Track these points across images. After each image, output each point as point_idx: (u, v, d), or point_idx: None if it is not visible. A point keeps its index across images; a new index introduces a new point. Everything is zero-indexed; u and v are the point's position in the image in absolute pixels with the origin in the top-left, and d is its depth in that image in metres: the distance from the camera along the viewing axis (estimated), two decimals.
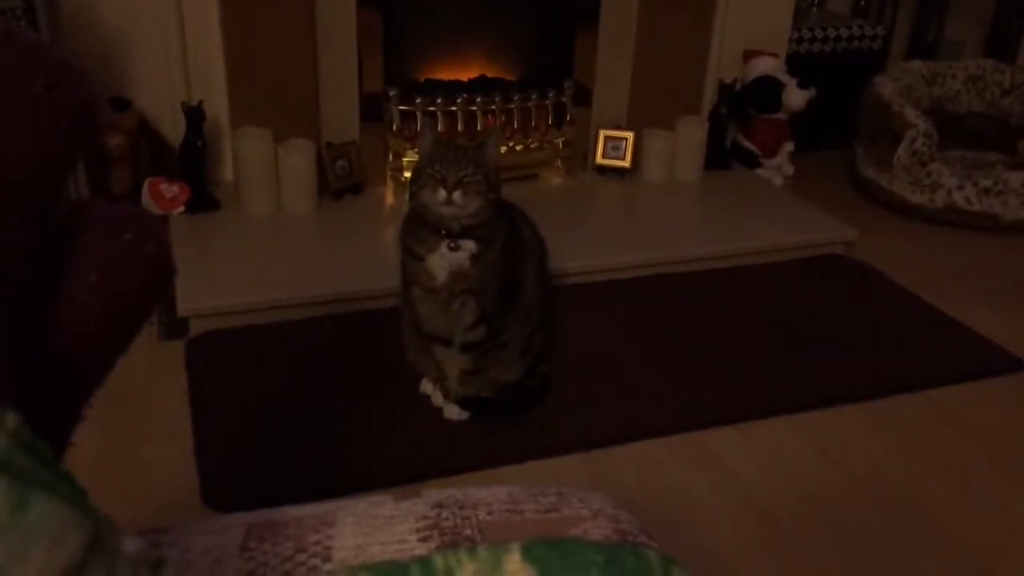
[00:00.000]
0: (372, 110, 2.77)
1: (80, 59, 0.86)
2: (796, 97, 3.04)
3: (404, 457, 1.79)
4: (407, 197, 1.76)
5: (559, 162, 2.96)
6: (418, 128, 2.73)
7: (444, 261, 1.73)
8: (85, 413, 0.86)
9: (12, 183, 0.76)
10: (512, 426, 1.90)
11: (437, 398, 1.93)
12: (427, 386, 1.95)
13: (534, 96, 2.88)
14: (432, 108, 2.75)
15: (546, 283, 2.01)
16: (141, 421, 1.87)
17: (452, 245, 1.71)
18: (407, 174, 2.74)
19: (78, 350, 0.86)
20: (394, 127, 2.74)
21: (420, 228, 1.74)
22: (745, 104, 3.13)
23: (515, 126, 2.87)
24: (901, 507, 1.76)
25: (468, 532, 0.74)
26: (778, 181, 3.15)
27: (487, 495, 0.78)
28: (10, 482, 0.51)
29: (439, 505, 0.77)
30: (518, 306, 1.87)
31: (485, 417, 1.90)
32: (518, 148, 2.89)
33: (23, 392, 0.76)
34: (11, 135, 0.77)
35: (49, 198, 0.84)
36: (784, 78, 3.07)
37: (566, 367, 2.08)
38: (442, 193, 1.65)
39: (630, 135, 2.99)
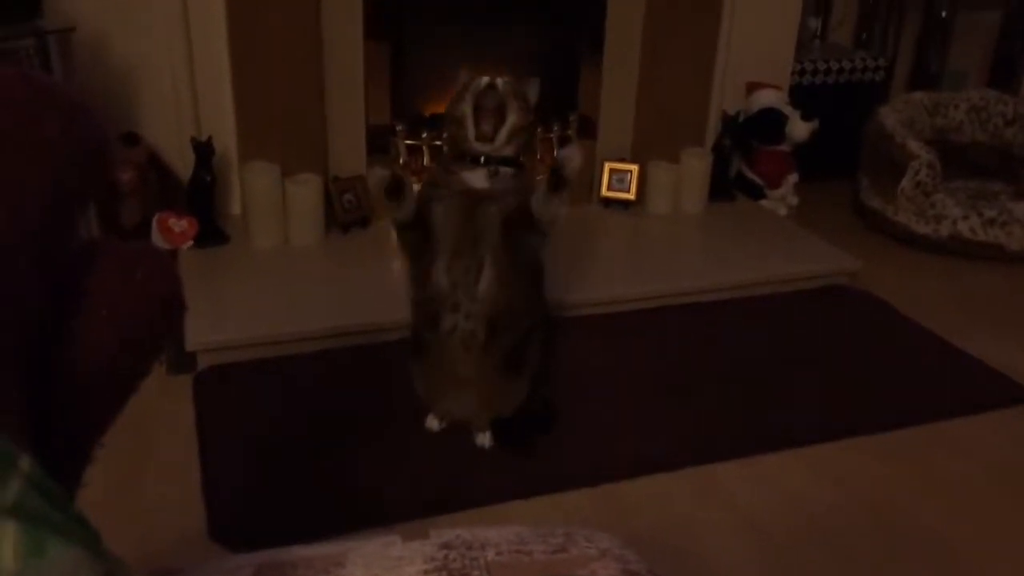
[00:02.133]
0: (378, 143, 2.80)
1: (93, 98, 0.87)
2: (799, 129, 3.06)
3: (411, 492, 1.79)
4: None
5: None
6: (424, 163, 2.76)
7: (481, 176, 1.73)
8: (96, 454, 0.87)
9: (27, 221, 0.77)
10: (520, 460, 1.89)
11: (431, 423, 1.95)
12: (433, 422, 1.95)
13: (539, 129, 2.90)
14: (438, 142, 2.77)
15: (541, 299, 1.96)
16: (148, 456, 1.87)
17: (492, 170, 1.73)
18: None
19: (90, 388, 0.86)
20: (401, 161, 2.76)
21: (454, 161, 1.76)
22: (749, 136, 3.15)
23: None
24: (911, 540, 1.74)
25: (476, 573, 0.74)
26: (782, 212, 3.17)
27: (495, 535, 0.78)
28: (25, 526, 0.52)
29: (447, 546, 0.77)
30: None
31: (505, 441, 1.91)
32: None
33: (36, 432, 0.77)
34: (26, 174, 0.78)
35: (62, 235, 0.86)
36: (787, 110, 3.09)
37: (573, 400, 2.08)
38: (485, 79, 1.71)
39: (635, 168, 3.01)
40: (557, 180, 1.67)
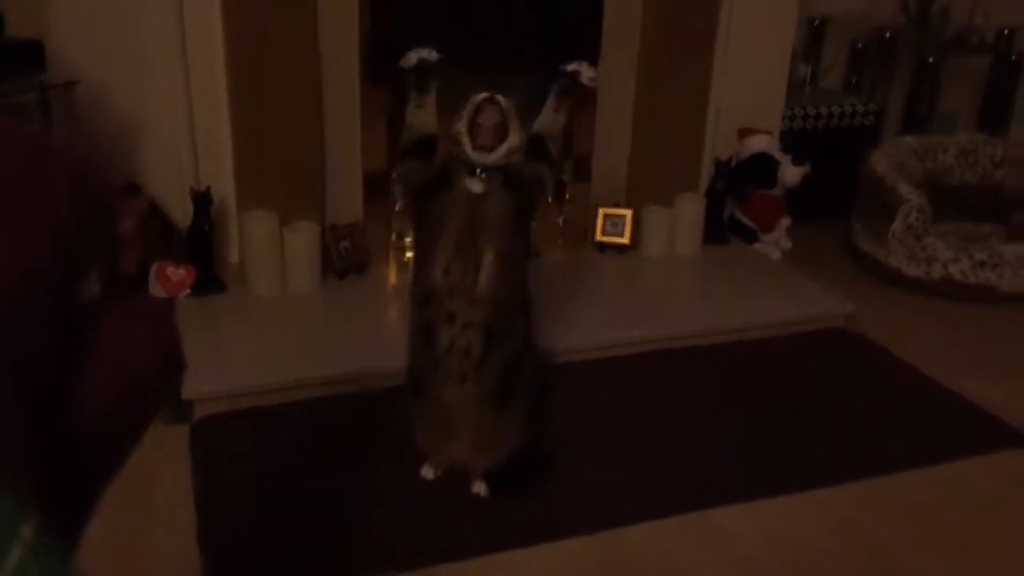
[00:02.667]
0: (375, 188, 2.83)
1: (96, 152, 0.90)
2: (791, 174, 3.10)
3: (409, 541, 1.79)
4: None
5: (560, 240, 3.00)
6: None
7: (479, 187, 1.75)
8: (98, 509, 0.88)
9: (38, 280, 0.79)
10: (516, 507, 1.89)
11: (425, 471, 1.95)
12: (428, 470, 1.96)
13: None
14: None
15: (529, 312, 1.94)
16: (145, 506, 1.86)
17: (486, 176, 1.74)
18: (410, 253, 2.78)
19: (92, 444, 0.87)
20: (397, 208, 2.79)
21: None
22: (741, 180, 3.19)
23: None
24: None
25: None
26: (776, 255, 3.19)
27: None
28: None
29: None
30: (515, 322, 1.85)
31: (501, 489, 1.90)
32: None
33: (41, 489, 0.77)
34: (36, 233, 0.80)
35: (71, 291, 0.87)
36: (779, 155, 3.13)
37: (569, 445, 2.08)
38: (484, 94, 1.74)
39: (629, 212, 3.04)
40: (567, 89, 1.79)
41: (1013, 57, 3.84)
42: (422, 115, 1.83)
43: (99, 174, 0.90)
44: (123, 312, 0.98)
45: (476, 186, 1.75)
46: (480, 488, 1.91)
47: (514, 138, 1.75)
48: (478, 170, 1.74)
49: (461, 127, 1.74)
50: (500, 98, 1.75)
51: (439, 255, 1.75)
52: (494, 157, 1.74)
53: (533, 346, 1.94)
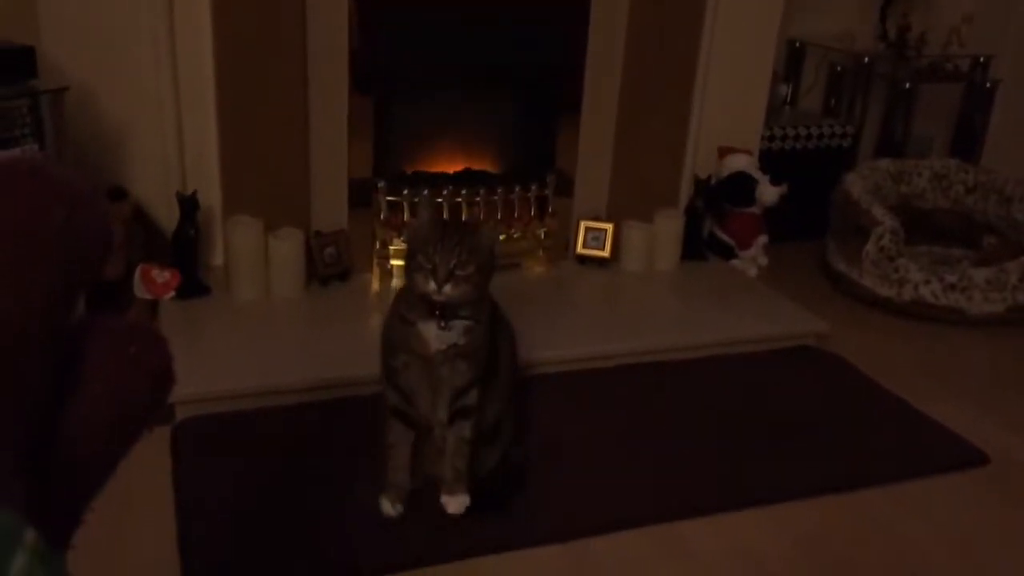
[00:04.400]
0: (360, 196, 2.86)
1: (97, 188, 0.94)
2: (769, 193, 3.16)
3: (386, 548, 1.82)
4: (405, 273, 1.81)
5: (541, 252, 3.05)
6: (405, 219, 2.83)
7: (436, 333, 1.75)
8: (86, 517, 0.91)
9: (33, 309, 0.83)
10: (492, 516, 1.93)
11: (386, 507, 1.94)
12: (386, 505, 1.91)
13: (517, 189, 2.99)
14: (416, 200, 2.84)
15: (515, 369, 2.03)
16: (125, 508, 1.88)
17: (442, 325, 1.74)
18: (393, 261, 2.82)
19: (83, 459, 0.91)
20: (381, 216, 2.83)
21: (416, 300, 1.75)
22: (720, 199, 3.25)
23: (499, 217, 2.97)
24: None
25: None
26: (753, 272, 3.25)
27: None
28: None
29: None
30: (496, 381, 1.90)
31: (482, 503, 1.93)
32: (501, 238, 2.98)
33: (32, 503, 0.81)
34: (33, 265, 0.84)
35: (64, 318, 0.91)
36: (757, 175, 3.20)
37: (543, 456, 2.13)
38: (432, 285, 1.68)
39: (610, 226, 3.10)
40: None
41: (988, 85, 3.93)
42: None
43: (98, 209, 0.94)
44: (115, 332, 1.01)
45: (430, 331, 1.75)
46: (452, 505, 1.93)
47: (466, 290, 1.70)
48: (440, 321, 1.73)
49: (423, 279, 1.69)
50: (446, 288, 1.69)
51: (406, 389, 1.85)
52: (455, 301, 1.71)
53: (510, 394, 2.00)
